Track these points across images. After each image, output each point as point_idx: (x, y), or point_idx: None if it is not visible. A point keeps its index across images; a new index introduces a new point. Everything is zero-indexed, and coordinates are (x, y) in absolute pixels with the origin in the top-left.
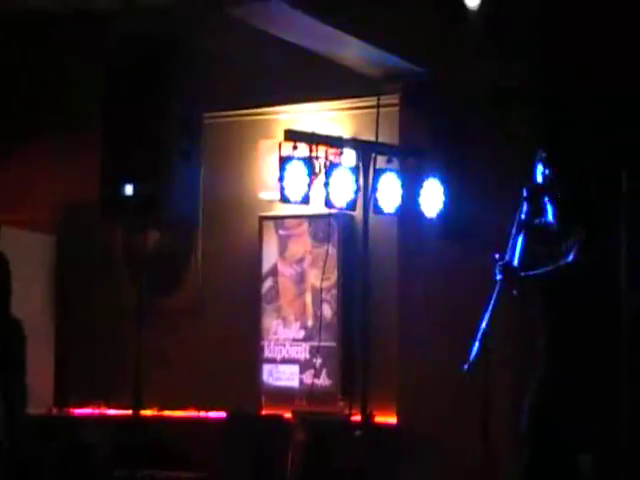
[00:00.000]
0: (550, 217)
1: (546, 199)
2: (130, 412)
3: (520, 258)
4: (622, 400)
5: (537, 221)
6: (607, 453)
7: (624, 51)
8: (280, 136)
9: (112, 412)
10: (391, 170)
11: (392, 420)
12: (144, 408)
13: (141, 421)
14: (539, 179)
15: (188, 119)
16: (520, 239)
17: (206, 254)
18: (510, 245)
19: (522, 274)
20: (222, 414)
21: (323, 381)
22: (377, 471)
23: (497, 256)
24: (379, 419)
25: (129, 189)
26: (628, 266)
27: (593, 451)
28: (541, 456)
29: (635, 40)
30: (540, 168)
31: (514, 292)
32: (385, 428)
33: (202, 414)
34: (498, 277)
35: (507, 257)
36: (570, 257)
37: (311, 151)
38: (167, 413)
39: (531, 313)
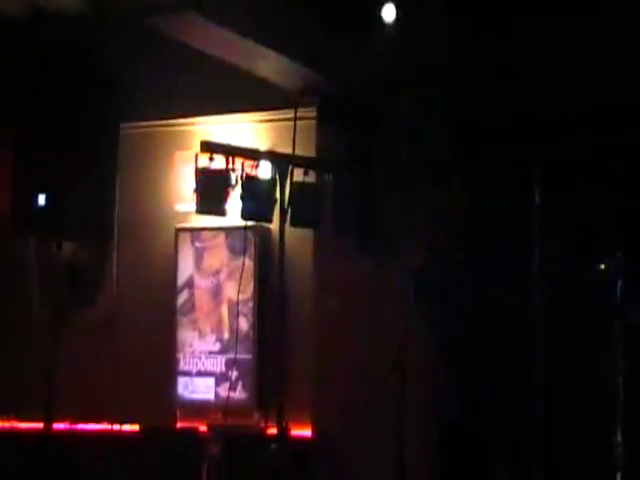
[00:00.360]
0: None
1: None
2: (42, 426)
3: (441, 270)
4: (533, 410)
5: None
6: (520, 462)
7: (529, 65)
8: (196, 147)
9: (23, 425)
10: (308, 182)
11: (308, 432)
12: (56, 421)
13: (53, 435)
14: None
15: (104, 130)
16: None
17: (122, 266)
18: (429, 257)
19: (436, 288)
20: (136, 428)
21: (239, 394)
22: None
23: (413, 270)
24: (295, 432)
25: (42, 200)
26: (540, 277)
27: (506, 460)
28: (454, 467)
29: (539, 54)
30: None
31: (429, 305)
32: (301, 441)
33: (116, 427)
34: (414, 290)
35: (424, 270)
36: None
37: (227, 163)
38: (80, 427)
39: (447, 325)
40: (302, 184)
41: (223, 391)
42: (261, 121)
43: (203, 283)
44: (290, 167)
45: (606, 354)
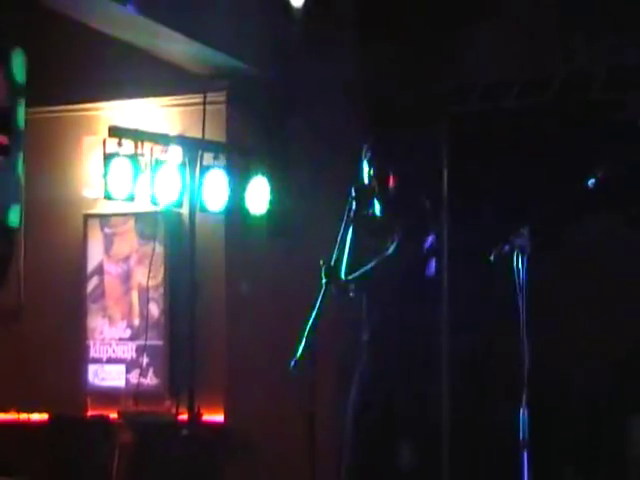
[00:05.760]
0: (377, 213)
1: (373, 197)
2: None
3: (349, 255)
4: (443, 393)
5: (365, 216)
6: (432, 444)
7: (437, 49)
8: (105, 133)
9: None
10: (218, 167)
11: (220, 418)
12: None
13: None
14: (365, 178)
15: (8, 114)
16: (349, 236)
17: (29, 253)
18: (338, 243)
19: (346, 277)
20: (45, 417)
21: (150, 380)
22: (204, 470)
23: (322, 260)
24: (206, 418)
25: None
26: (449, 261)
27: (417, 444)
28: (364, 453)
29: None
30: (366, 167)
31: (344, 294)
32: (212, 427)
33: (23, 417)
34: (323, 280)
35: (334, 257)
36: (389, 251)
37: (136, 148)
38: None
39: (357, 311)
40: (212, 169)
41: (134, 378)
42: (170, 106)
43: (113, 269)
44: (200, 152)
45: None
